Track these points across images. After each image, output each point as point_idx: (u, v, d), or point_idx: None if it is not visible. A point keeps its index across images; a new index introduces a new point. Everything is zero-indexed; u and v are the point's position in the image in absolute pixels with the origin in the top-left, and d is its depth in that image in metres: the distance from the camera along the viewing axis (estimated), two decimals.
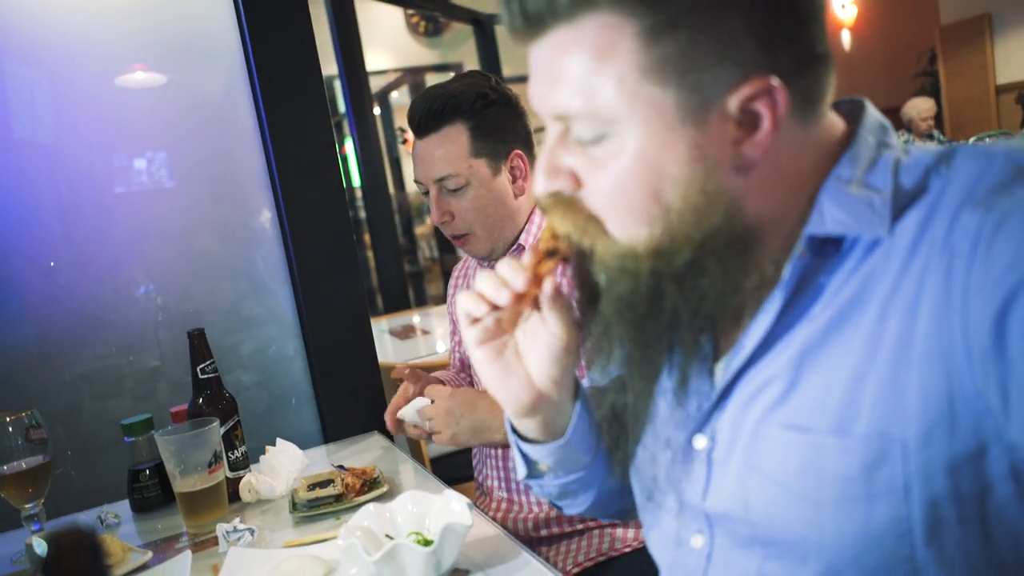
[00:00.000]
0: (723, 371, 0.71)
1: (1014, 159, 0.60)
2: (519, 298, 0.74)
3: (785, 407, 0.66)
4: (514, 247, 1.50)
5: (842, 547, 0.62)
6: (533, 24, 0.65)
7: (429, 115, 1.42)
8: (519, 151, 1.47)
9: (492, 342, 0.79)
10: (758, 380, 0.68)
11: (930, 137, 5.86)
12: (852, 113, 0.71)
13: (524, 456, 0.87)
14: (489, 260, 1.54)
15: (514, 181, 1.48)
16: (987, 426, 0.57)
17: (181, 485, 1.25)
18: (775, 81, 0.61)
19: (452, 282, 1.77)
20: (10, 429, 1.24)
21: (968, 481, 0.59)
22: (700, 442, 0.73)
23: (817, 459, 0.63)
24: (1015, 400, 0.55)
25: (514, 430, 0.87)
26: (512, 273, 0.74)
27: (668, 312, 0.66)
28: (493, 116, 1.43)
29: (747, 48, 0.61)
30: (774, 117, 0.62)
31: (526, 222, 1.50)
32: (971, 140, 5.30)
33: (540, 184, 0.70)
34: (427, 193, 1.50)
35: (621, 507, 0.93)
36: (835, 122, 0.70)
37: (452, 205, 1.45)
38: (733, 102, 0.62)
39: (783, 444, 0.65)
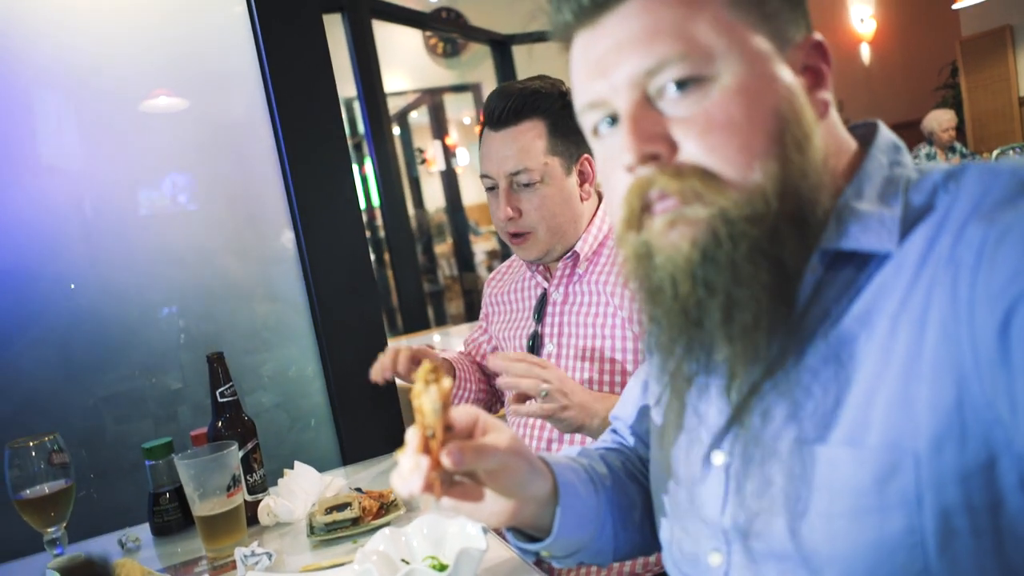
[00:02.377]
0: (739, 386, 0.71)
1: (1019, 175, 0.61)
2: (428, 486, 0.69)
3: (798, 420, 0.67)
4: (568, 254, 1.49)
5: (855, 559, 0.63)
6: None
7: (510, 108, 1.42)
8: (588, 157, 1.47)
9: (445, 496, 0.75)
10: (772, 395, 0.69)
11: (952, 150, 5.80)
12: (866, 136, 0.73)
13: (524, 551, 0.88)
14: (541, 262, 1.53)
15: (581, 184, 1.48)
16: (997, 436, 0.58)
17: (200, 509, 1.26)
18: (820, 36, 0.69)
19: (487, 287, 1.78)
20: (33, 454, 1.25)
21: (980, 492, 0.59)
22: (718, 458, 0.74)
23: (830, 472, 0.64)
24: (1022, 409, 0.55)
25: (509, 528, 0.87)
26: (408, 474, 0.70)
27: (790, 258, 0.65)
28: (569, 118, 1.43)
29: (801, 10, 0.69)
30: (829, 68, 0.69)
31: (583, 231, 1.50)
32: (995, 152, 5.25)
33: (633, 150, 0.66)
34: (491, 189, 1.48)
35: (644, 548, 0.94)
36: (849, 142, 0.72)
37: (521, 202, 1.44)
38: (799, 54, 0.68)
39: (796, 457, 0.66)
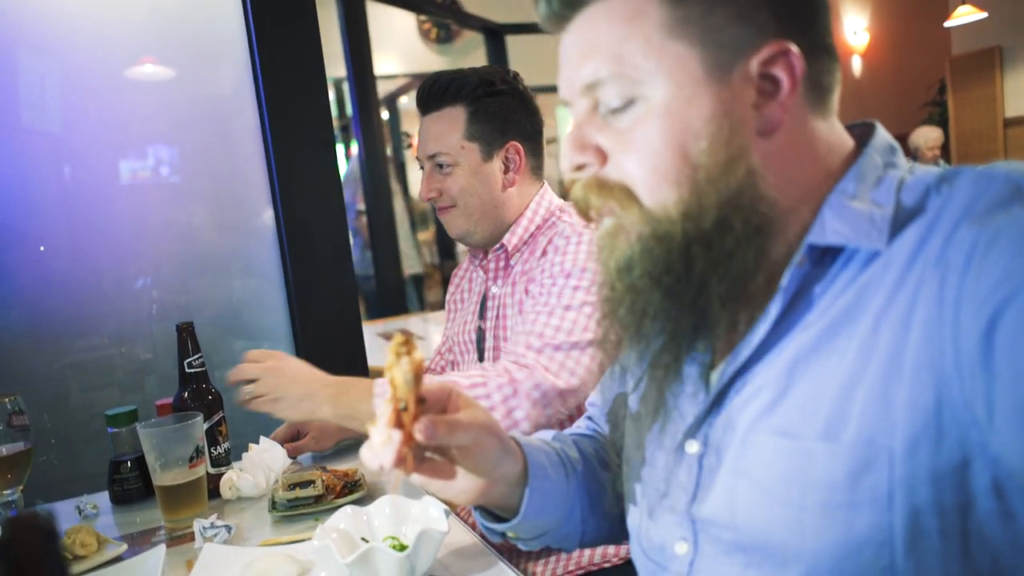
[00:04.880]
0: (718, 378, 0.73)
1: (1013, 179, 0.61)
2: (399, 460, 0.70)
3: (775, 413, 0.67)
4: (499, 248, 1.51)
5: (822, 554, 0.63)
6: (571, 5, 0.70)
7: (432, 93, 1.48)
8: (517, 144, 1.49)
9: (416, 472, 0.76)
10: (751, 386, 0.70)
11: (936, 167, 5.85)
12: (864, 135, 0.74)
13: (491, 530, 0.89)
14: (464, 241, 1.57)
15: (506, 172, 1.50)
16: (972, 438, 0.58)
17: (161, 478, 1.25)
18: (792, 46, 0.66)
19: (448, 294, 1.79)
20: None
21: (951, 493, 0.59)
22: (692, 447, 0.74)
23: (804, 465, 0.64)
24: (999, 412, 0.56)
25: (477, 507, 0.88)
26: (379, 447, 0.70)
27: (698, 277, 0.67)
28: (495, 105, 1.47)
29: (764, 17, 0.66)
30: (792, 80, 0.67)
31: (513, 223, 1.52)
32: None
33: (567, 157, 0.72)
34: (423, 168, 1.54)
35: (611, 536, 0.95)
36: (846, 140, 0.73)
37: (441, 183, 1.49)
38: (753, 64, 0.66)
39: (771, 449, 0.67)
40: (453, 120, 1.47)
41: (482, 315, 1.56)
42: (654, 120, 0.67)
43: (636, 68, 0.67)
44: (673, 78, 0.66)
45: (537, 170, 1.55)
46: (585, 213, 0.74)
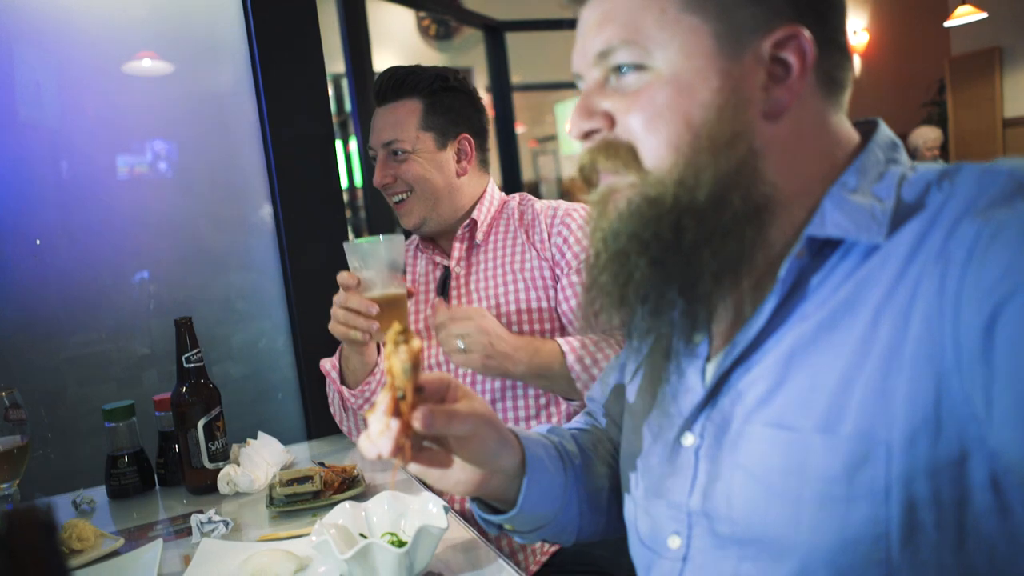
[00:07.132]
0: (715, 369, 0.73)
1: (1016, 175, 0.61)
2: (397, 449, 0.69)
3: (772, 405, 0.67)
4: (466, 224, 1.57)
5: (818, 546, 0.63)
6: None
7: (391, 85, 1.55)
8: (468, 136, 1.58)
9: (413, 462, 0.76)
10: (748, 378, 0.70)
11: None
12: (867, 132, 0.74)
13: (487, 522, 0.89)
14: (421, 232, 1.61)
15: (458, 161, 1.58)
16: (971, 432, 0.58)
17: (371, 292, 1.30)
18: (805, 31, 0.67)
19: None
20: None
21: (948, 487, 0.59)
22: (688, 439, 0.74)
23: (801, 457, 0.64)
24: (998, 406, 0.56)
25: (473, 500, 0.88)
26: (377, 436, 0.70)
27: (688, 249, 0.67)
28: (448, 99, 1.56)
29: (780, 2, 0.67)
30: (802, 64, 0.68)
31: (473, 207, 1.59)
32: None
33: (575, 125, 0.74)
34: (375, 159, 1.59)
35: (609, 529, 0.95)
36: (852, 135, 0.74)
37: (396, 169, 1.56)
38: (766, 46, 0.67)
39: (768, 441, 0.66)
40: (409, 110, 1.54)
41: (445, 295, 1.60)
42: (662, 87, 0.68)
43: (649, 37, 0.68)
44: (685, 49, 0.67)
45: (484, 164, 1.64)
46: (589, 180, 0.75)
